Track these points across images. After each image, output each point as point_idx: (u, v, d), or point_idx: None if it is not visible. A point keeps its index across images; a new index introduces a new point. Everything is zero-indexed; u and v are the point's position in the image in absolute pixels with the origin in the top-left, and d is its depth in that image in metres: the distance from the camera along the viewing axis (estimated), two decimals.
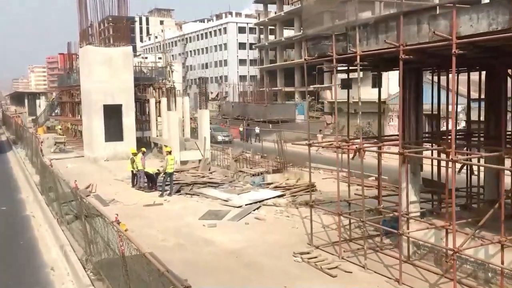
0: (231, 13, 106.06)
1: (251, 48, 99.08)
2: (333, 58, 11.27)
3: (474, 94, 14.15)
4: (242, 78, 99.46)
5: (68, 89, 49.70)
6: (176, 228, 14.72)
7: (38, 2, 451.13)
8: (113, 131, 31.49)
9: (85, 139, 32.37)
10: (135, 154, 21.68)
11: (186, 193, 19.75)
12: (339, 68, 13.10)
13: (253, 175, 21.58)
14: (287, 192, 18.77)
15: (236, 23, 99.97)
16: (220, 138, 40.54)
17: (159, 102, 35.30)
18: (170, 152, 19.99)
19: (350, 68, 12.81)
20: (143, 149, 22.06)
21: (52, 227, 15.25)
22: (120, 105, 30.57)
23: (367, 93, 45.13)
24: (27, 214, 17.92)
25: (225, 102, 72.55)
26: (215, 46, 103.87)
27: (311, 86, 68.64)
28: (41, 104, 59.23)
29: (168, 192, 19.67)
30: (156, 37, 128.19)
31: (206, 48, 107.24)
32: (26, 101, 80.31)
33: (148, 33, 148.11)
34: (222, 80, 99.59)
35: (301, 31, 77.75)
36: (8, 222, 16.86)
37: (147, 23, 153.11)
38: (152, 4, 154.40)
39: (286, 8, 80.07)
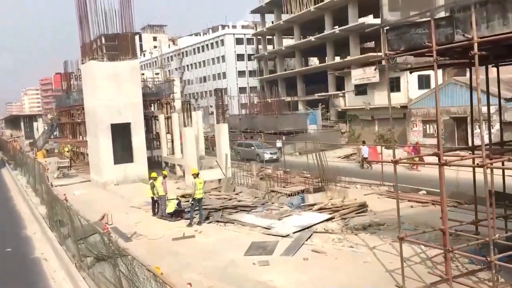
0: (227, 25, 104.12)
1: (249, 59, 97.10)
2: (433, 49, 8.82)
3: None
4: (242, 89, 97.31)
5: (68, 109, 47.20)
6: (220, 268, 12.17)
7: (28, 23, 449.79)
8: (122, 152, 28.98)
9: (92, 162, 29.82)
10: (155, 178, 19.17)
11: (218, 221, 17.20)
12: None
13: (289, 195, 19.07)
14: (335, 214, 16.27)
15: (233, 34, 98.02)
16: (267, 156, 35.06)
17: (168, 118, 32.87)
18: (197, 175, 17.46)
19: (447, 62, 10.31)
20: (165, 172, 19.55)
21: (70, 273, 12.70)
22: (129, 124, 28.11)
23: (385, 98, 43.08)
24: (36, 256, 15.31)
25: (230, 115, 70.20)
26: (213, 59, 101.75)
27: (316, 95, 66.64)
28: (39, 126, 56.59)
29: (197, 220, 17.14)
30: (151, 53, 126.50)
31: (203, 61, 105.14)
32: (22, 124, 77.69)
33: (142, 50, 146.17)
34: (222, 93, 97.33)
35: (301, 39, 75.97)
36: (15, 268, 14.26)
37: (140, 40, 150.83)
38: (144, 21, 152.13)
39: (285, 17, 78.20)
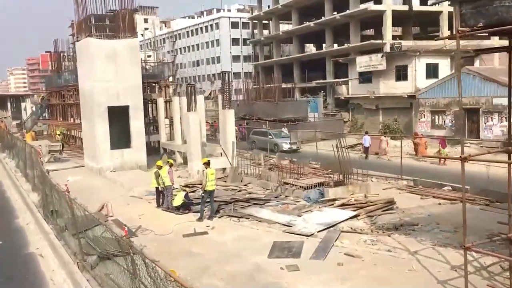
0: (222, 9, 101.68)
1: (244, 44, 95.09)
2: None
3: None
4: (236, 75, 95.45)
5: (59, 90, 45.20)
6: (245, 274, 10.75)
7: (14, 2, 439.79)
8: (119, 137, 27.34)
9: (86, 147, 28.10)
10: (160, 167, 17.64)
11: (230, 216, 15.77)
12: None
13: (305, 189, 17.67)
14: (360, 211, 14.92)
15: (229, 17, 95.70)
16: (285, 146, 32.49)
17: (167, 101, 31.22)
18: (208, 164, 15.93)
19: None
20: (171, 161, 18.00)
21: (72, 275, 11.18)
22: (127, 107, 26.40)
23: (390, 87, 41.79)
24: (31, 251, 13.75)
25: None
26: (207, 42, 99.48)
27: (314, 82, 65.07)
28: (27, 107, 54.41)
29: (207, 214, 15.70)
30: (143, 34, 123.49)
31: (197, 45, 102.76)
32: (8, 104, 75.17)
33: None
34: (215, 77, 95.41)
35: (299, 24, 74.20)
36: (7, 266, 12.70)
37: None
38: (135, 2, 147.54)
39: (282, 1, 76.34)
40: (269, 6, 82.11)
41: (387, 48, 50.37)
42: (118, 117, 26.79)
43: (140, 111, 26.81)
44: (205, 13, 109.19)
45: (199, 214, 16.21)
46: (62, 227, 14.70)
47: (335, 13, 63.91)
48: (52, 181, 14.51)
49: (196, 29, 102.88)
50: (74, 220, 12.29)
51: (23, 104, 57.27)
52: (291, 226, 13.98)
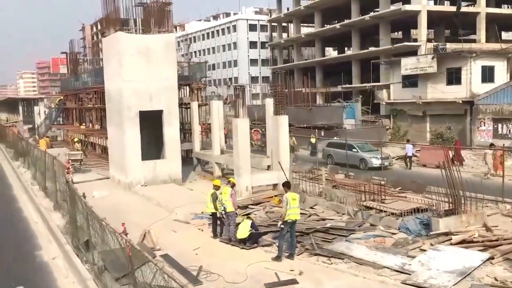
0: (240, 11, 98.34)
1: (262, 47, 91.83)
2: None
3: None
4: (254, 79, 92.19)
5: (76, 92, 41.95)
6: None
7: (23, 5, 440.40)
8: (151, 145, 24.00)
9: (112, 157, 24.68)
10: (217, 188, 14.18)
11: (315, 253, 12.23)
12: None
13: (398, 216, 14.10)
14: (493, 252, 11.32)
15: (247, 20, 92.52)
16: (375, 162, 26.59)
17: (201, 105, 27.81)
18: (288, 186, 12.36)
19: None
20: (232, 180, 14.42)
21: None
22: (161, 111, 23.02)
23: (440, 91, 38.17)
24: None
25: (249, 106, 65.29)
26: (223, 45, 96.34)
27: (339, 86, 61.49)
28: (41, 111, 51.22)
29: (286, 251, 12.17)
30: None
31: (213, 48, 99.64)
32: (20, 108, 72.15)
33: None
34: (232, 81, 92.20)
35: (323, 27, 70.86)
36: None
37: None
38: None
39: (304, 2, 73.16)
40: (288, 9, 78.92)
41: (421, 51, 46.89)
42: (150, 123, 23.46)
43: (175, 116, 23.41)
44: (221, 15, 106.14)
45: (267, 247, 12.80)
46: (101, 267, 11.30)
47: (360, 15, 60.69)
48: (91, 209, 10.99)
49: (212, 32, 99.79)
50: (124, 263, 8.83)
51: (36, 108, 54.14)
52: (409, 274, 10.41)
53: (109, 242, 10.12)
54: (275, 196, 19.14)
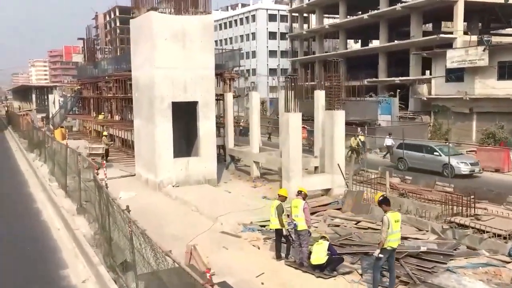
0: (260, 0, 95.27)
1: (281, 38, 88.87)
2: None
3: None
4: (272, 71, 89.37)
5: (94, 81, 39.50)
6: None
7: None
8: (182, 141, 21.48)
9: (139, 153, 22.15)
10: (284, 199, 11.57)
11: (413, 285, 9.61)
12: None
13: (507, 238, 11.42)
14: None
15: (267, 9, 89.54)
16: (464, 168, 22.82)
17: (237, 96, 25.19)
18: (387, 203, 9.66)
19: None
20: (304, 190, 11.72)
21: None
22: (196, 103, 20.45)
23: (489, 87, 35.26)
24: None
25: (270, 99, 62.77)
26: (241, 36, 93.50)
27: (365, 80, 58.56)
28: (55, 99, 48.90)
29: (381, 286, 9.56)
30: None
31: (230, 38, 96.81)
32: (33, 96, 70.08)
33: None
34: (250, 73, 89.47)
35: (347, 17, 67.87)
36: None
37: None
38: None
39: None
40: None
41: (457, 44, 43.92)
42: (182, 116, 20.94)
43: (211, 108, 20.82)
44: (239, 5, 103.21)
45: (347, 274, 10.26)
46: None
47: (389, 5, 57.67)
48: (143, 232, 8.39)
49: (230, 22, 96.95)
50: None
51: (51, 97, 51.79)
52: None
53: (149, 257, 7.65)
54: (330, 203, 16.55)
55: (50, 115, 48.13)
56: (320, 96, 20.13)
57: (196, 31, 20.04)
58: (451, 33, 51.19)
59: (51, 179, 22.29)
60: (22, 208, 18.10)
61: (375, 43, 74.70)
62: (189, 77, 20.06)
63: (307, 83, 54.52)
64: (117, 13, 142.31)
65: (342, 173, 16.94)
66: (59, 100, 48.95)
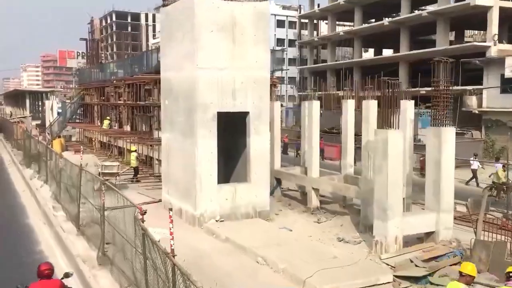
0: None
1: (290, 45, 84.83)
2: None
3: None
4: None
5: (100, 85, 34.92)
6: None
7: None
8: (227, 162, 16.97)
9: (170, 175, 17.50)
10: (470, 280, 7.00)
11: None
12: None
13: None
14: None
15: (275, 15, 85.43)
16: None
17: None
18: None
19: None
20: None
21: None
22: (246, 114, 16.00)
23: None
24: None
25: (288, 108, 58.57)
26: None
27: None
28: (53, 105, 44.07)
29: None
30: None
31: None
32: (27, 101, 65.14)
33: (154, 31, 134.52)
34: None
35: (363, 24, 64.08)
36: None
37: (154, 20, 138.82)
38: (158, 1, 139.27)
39: None
40: (318, 5, 71.98)
41: (491, 53, 39.97)
42: (227, 130, 16.44)
43: (264, 121, 16.34)
44: None
45: None
46: None
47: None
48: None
49: None
50: None
51: (47, 102, 46.97)
52: None
53: None
54: (445, 255, 12.09)
55: (47, 123, 43.36)
56: (371, 107, 15.73)
57: (249, 22, 15.65)
58: (484, 41, 47.40)
59: (57, 208, 17.63)
60: (22, 251, 13.44)
61: (386, 53, 71.46)
62: (239, 80, 15.63)
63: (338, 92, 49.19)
64: (114, 18, 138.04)
65: (450, 210, 12.54)
66: (57, 107, 44.14)
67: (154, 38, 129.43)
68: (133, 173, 23.10)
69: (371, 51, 77.39)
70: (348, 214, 16.94)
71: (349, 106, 17.92)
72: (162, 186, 18.21)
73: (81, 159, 15.33)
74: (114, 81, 31.60)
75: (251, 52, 15.75)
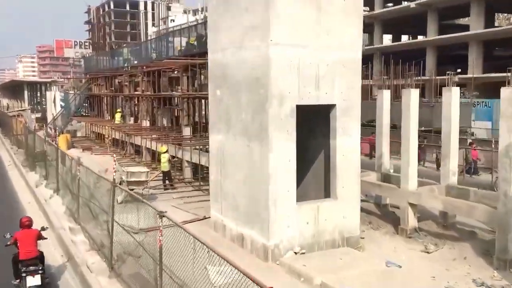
0: None
1: None
2: None
3: None
4: None
5: (111, 74, 30.71)
6: None
7: None
8: (306, 172, 12.91)
9: (224, 188, 13.35)
10: None
11: None
12: None
13: None
14: None
15: None
16: None
17: None
18: None
19: None
20: None
21: None
22: (331, 107, 11.94)
23: None
24: None
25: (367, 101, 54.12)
26: None
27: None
28: (56, 97, 39.77)
29: None
30: (173, 20, 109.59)
31: None
32: (25, 93, 60.68)
33: (153, 19, 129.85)
34: None
35: (383, 8, 59.91)
36: None
37: (152, 9, 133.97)
38: None
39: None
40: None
41: None
42: (308, 127, 12.38)
43: (355, 116, 12.26)
44: None
45: None
46: None
47: None
48: None
49: None
50: None
51: (48, 94, 42.67)
52: None
53: None
54: None
55: (49, 116, 39.19)
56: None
57: None
58: None
59: (74, 229, 13.56)
60: None
61: (404, 39, 67.87)
62: (324, 62, 11.55)
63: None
64: (112, 6, 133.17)
65: None
66: (60, 99, 39.86)
67: (153, 27, 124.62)
68: (163, 178, 19.06)
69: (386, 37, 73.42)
70: (458, 238, 12.97)
71: (453, 96, 13.82)
72: (211, 202, 14.13)
73: (114, 173, 11.19)
74: (128, 69, 27.40)
75: (340, 26, 11.68)
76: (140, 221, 10.75)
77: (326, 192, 12.66)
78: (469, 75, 41.49)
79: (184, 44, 22.05)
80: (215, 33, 13.51)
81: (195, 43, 21.99)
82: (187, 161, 20.36)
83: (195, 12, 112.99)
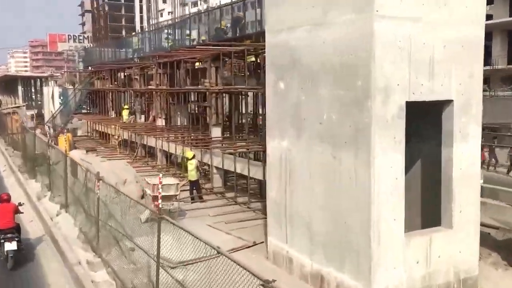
0: None
1: None
2: None
3: None
4: None
5: (118, 67, 27.42)
6: None
7: None
8: (411, 194, 9.72)
9: (293, 208, 10.21)
10: None
11: None
12: None
13: None
14: None
15: None
16: None
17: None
18: None
19: None
20: None
21: None
22: (446, 103, 8.83)
23: None
24: None
25: None
26: (259, 20, 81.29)
27: None
28: (54, 93, 36.33)
29: None
30: (171, 12, 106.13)
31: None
32: (19, 88, 56.94)
33: (148, 11, 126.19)
34: None
35: None
36: None
37: (149, 1, 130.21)
38: None
39: None
40: None
41: None
42: (413, 130, 9.22)
43: (476, 115, 9.14)
44: None
45: None
46: None
47: None
48: None
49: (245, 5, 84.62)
50: None
51: (45, 89, 39.19)
52: None
53: None
54: None
55: (47, 113, 35.84)
56: None
57: None
58: None
59: (93, 264, 10.38)
60: None
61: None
62: (440, 43, 8.43)
63: None
64: None
65: None
66: (59, 95, 36.42)
67: (169, 14, 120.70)
68: (190, 189, 15.91)
69: None
70: None
71: None
72: (270, 226, 10.98)
73: (160, 199, 8.07)
74: (137, 60, 24.16)
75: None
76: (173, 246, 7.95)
77: (424, 217, 9.69)
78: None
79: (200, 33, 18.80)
80: (277, 8, 10.31)
81: (227, 27, 18.96)
82: (216, 167, 17.23)
83: (194, 4, 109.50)
